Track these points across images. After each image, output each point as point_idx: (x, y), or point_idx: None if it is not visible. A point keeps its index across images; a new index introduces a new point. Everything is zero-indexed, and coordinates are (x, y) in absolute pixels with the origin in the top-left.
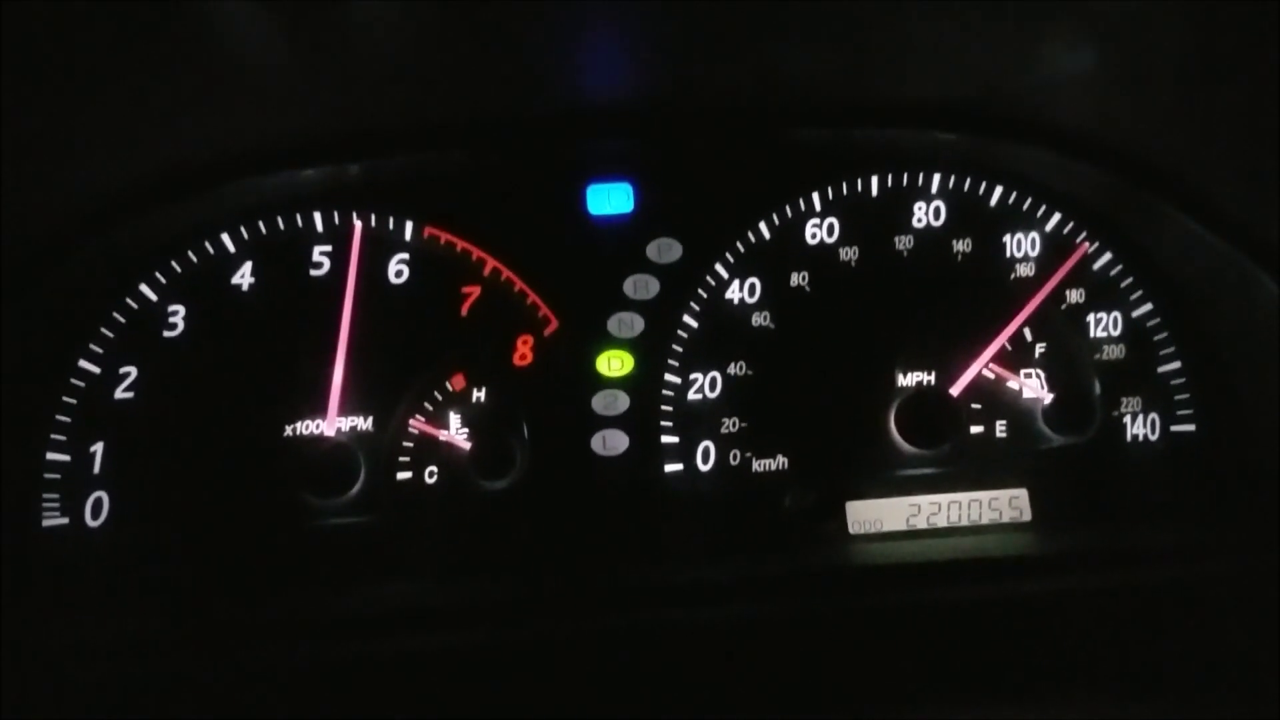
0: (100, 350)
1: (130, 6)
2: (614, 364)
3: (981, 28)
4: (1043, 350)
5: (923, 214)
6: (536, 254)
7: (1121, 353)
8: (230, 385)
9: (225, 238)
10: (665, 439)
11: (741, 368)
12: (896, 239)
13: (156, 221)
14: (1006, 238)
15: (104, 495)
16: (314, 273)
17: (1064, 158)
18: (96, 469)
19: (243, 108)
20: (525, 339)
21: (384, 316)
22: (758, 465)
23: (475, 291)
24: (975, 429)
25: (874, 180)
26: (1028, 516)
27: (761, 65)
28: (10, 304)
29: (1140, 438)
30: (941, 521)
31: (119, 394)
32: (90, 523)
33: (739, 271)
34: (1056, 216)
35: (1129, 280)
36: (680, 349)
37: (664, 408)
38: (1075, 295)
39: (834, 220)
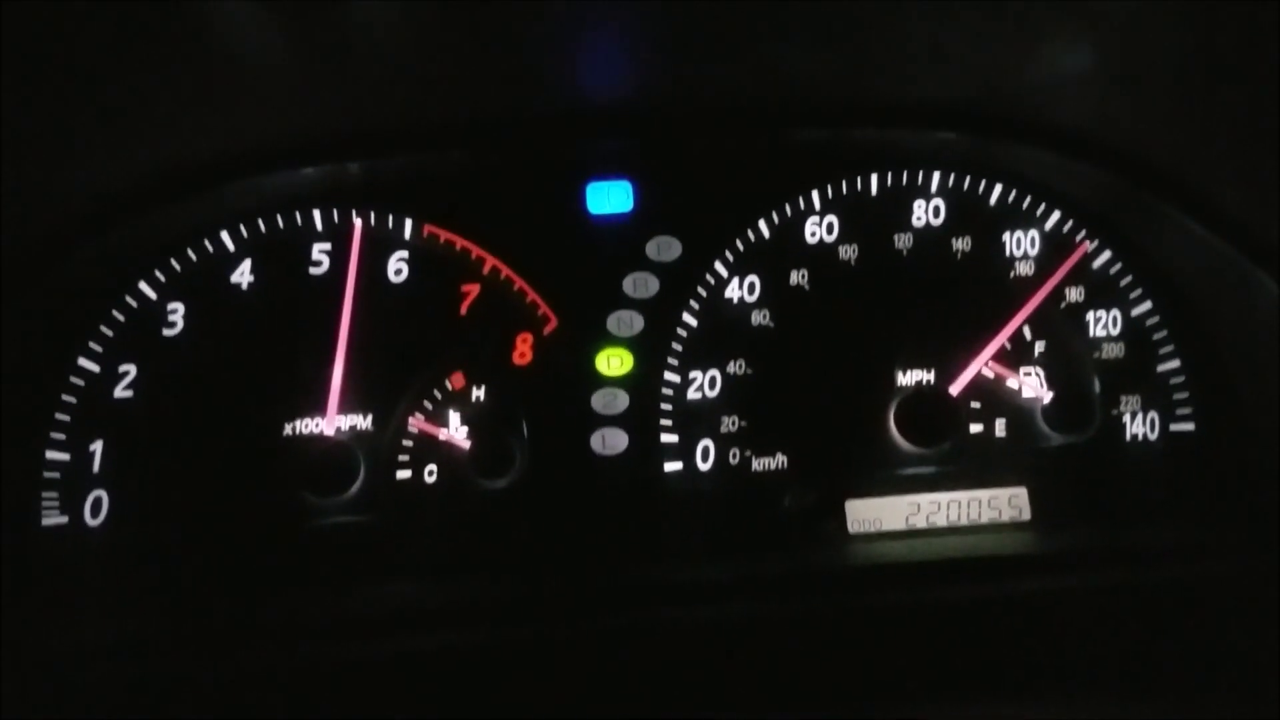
0: (100, 349)
1: (130, 6)
2: (613, 363)
3: (981, 28)
4: (1042, 349)
5: (922, 213)
6: (536, 253)
7: (1121, 352)
8: (230, 384)
9: (225, 236)
10: (665, 438)
11: (741, 366)
12: (896, 238)
13: (156, 220)
14: (1006, 236)
15: (103, 494)
16: (313, 271)
17: (1064, 157)
18: (96, 468)
19: (243, 107)
20: (525, 337)
21: (383, 315)
22: (757, 464)
23: (475, 290)
24: (975, 428)
25: (874, 179)
26: (1027, 515)
27: (761, 65)
28: (10, 303)
29: (1139, 437)
30: (941, 520)
31: (119, 392)
32: (90, 522)
33: (738, 270)
34: (1056, 215)
35: (1128, 279)
36: (680, 347)
37: (664, 406)
38: (1075, 294)
39: (834, 219)
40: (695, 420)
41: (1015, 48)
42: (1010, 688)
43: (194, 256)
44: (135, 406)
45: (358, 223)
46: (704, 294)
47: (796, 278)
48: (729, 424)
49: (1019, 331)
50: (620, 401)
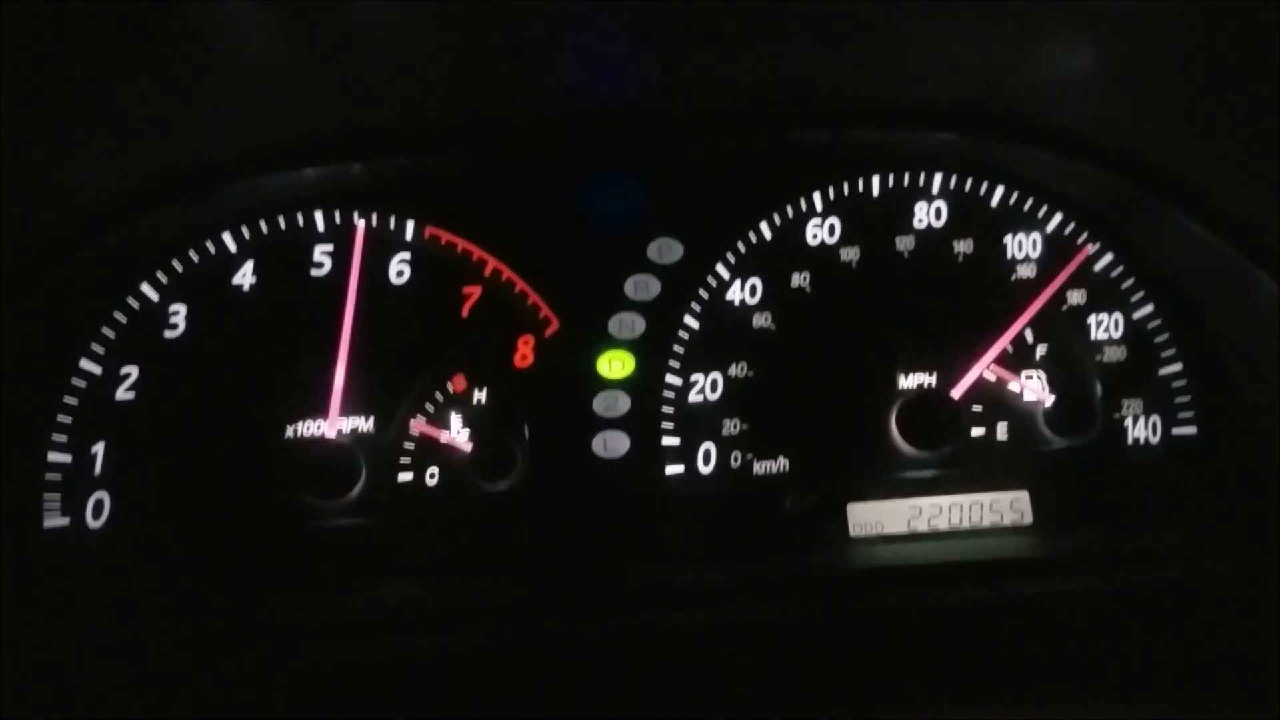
0: (101, 350)
1: (130, 7)
2: (615, 365)
3: (982, 28)
4: (1044, 352)
5: (924, 214)
6: (537, 255)
7: (1123, 354)
8: (231, 385)
9: (226, 237)
10: (666, 441)
11: (743, 369)
12: (898, 240)
13: (157, 221)
14: (1008, 239)
15: (105, 496)
16: (315, 273)
17: (1065, 158)
18: (97, 469)
19: (243, 108)
20: (526, 340)
21: (385, 317)
22: (759, 467)
23: (476, 292)
24: (976, 431)
25: (875, 181)
26: (1029, 519)
27: (762, 66)
28: (11, 304)
29: (1141, 440)
30: (943, 524)
31: (120, 394)
32: (91, 523)
33: (740, 272)
34: (1058, 217)
35: (1130, 282)
36: (681, 350)
37: (665, 409)
38: (1076, 297)
39: (835, 221)
40: (697, 423)
41: (1016, 48)
42: (1012, 691)
43: (195, 258)
44: (137, 408)
45: (359, 224)
46: (705, 296)
47: (798, 280)
48: (730, 427)
49: (1021, 334)
50: (621, 404)
